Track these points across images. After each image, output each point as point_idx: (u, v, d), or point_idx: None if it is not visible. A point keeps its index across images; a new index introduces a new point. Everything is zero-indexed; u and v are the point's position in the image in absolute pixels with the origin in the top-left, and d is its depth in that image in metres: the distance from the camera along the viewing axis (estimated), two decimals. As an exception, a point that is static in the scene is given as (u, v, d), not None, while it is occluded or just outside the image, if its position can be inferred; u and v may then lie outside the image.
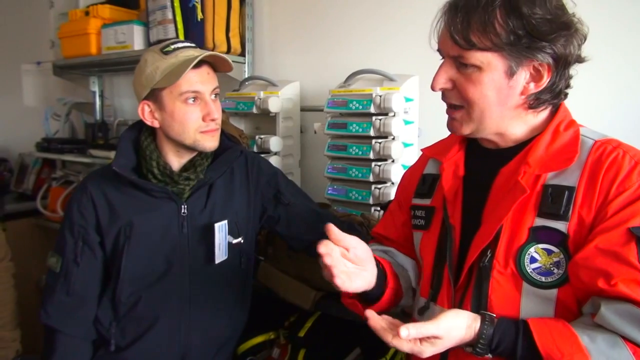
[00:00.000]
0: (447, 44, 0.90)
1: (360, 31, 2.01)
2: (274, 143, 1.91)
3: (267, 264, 1.63)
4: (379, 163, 1.66)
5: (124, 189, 1.29)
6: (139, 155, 1.31)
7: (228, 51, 2.16)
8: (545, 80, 0.87)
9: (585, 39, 0.90)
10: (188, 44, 1.24)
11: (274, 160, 1.91)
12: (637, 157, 0.85)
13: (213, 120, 1.24)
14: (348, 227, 1.45)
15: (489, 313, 0.85)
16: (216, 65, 1.26)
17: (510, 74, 0.87)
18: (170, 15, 2.02)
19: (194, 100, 1.22)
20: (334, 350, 1.62)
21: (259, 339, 1.70)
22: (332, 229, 0.89)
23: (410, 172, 1.20)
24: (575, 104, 0.98)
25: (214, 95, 1.26)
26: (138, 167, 1.30)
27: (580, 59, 0.91)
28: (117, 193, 1.29)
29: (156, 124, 1.25)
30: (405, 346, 0.81)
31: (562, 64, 0.87)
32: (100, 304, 1.31)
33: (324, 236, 1.40)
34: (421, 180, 1.12)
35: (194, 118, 1.22)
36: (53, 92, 2.85)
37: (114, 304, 1.29)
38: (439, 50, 0.95)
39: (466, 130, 0.95)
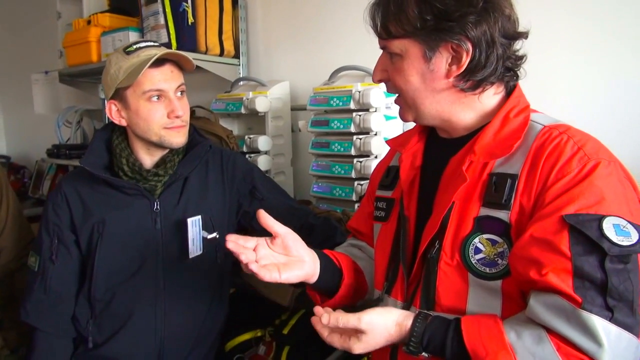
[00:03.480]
0: (378, 37, 0.93)
1: (355, 30, 1.98)
2: (263, 142, 1.92)
3: (250, 262, 1.63)
4: (361, 159, 1.65)
5: (97, 187, 1.32)
6: (112, 154, 1.34)
7: (221, 54, 2.19)
8: (465, 61, 0.85)
9: (510, 16, 0.87)
10: (151, 43, 1.27)
11: (263, 160, 1.92)
12: (582, 143, 0.81)
13: (178, 117, 1.26)
14: (324, 222, 1.45)
15: (424, 311, 0.84)
16: (181, 63, 1.29)
17: (427, 57, 0.87)
18: (162, 20, 2.06)
19: (157, 98, 1.24)
20: (318, 348, 1.61)
21: (245, 337, 1.71)
22: (262, 215, 0.94)
23: (379, 164, 1.20)
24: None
25: (179, 93, 1.28)
26: (110, 165, 1.34)
27: (514, 36, 0.88)
28: (91, 191, 1.32)
29: (123, 123, 1.28)
30: (336, 342, 0.83)
31: (482, 42, 0.84)
32: (77, 302, 1.34)
33: (300, 231, 1.41)
34: (385, 172, 1.12)
35: (158, 115, 1.25)
36: (64, 100, 2.94)
37: (90, 302, 1.32)
38: None
39: (409, 117, 0.97)
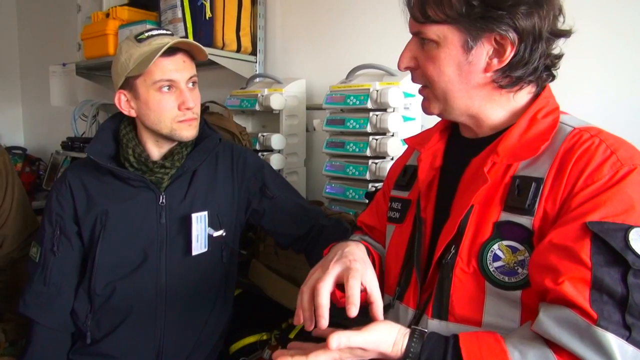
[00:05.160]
0: (410, 22, 0.87)
1: (373, 28, 1.95)
2: (276, 141, 1.88)
3: (258, 262, 1.59)
4: (376, 161, 1.59)
5: (102, 177, 1.28)
6: (119, 144, 1.30)
7: (238, 50, 2.16)
8: (509, 55, 0.80)
9: (560, 11, 0.83)
10: (163, 32, 1.23)
11: (276, 159, 1.88)
12: (615, 147, 0.75)
13: (189, 109, 1.22)
14: (335, 223, 1.39)
15: (419, 328, 0.77)
16: (193, 53, 1.24)
17: (468, 48, 0.81)
18: (180, 14, 2.03)
19: (168, 89, 1.20)
20: (325, 354, 1.56)
21: (250, 339, 1.66)
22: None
23: (396, 162, 1.15)
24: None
25: (191, 84, 1.24)
26: (117, 156, 1.30)
27: (560, 33, 0.83)
28: (96, 182, 1.29)
29: (133, 114, 1.24)
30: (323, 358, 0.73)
31: (530, 36, 0.79)
32: (77, 295, 1.30)
33: (310, 232, 1.36)
34: (402, 172, 1.07)
35: (169, 107, 1.21)
36: (81, 94, 2.93)
37: (89, 296, 1.28)
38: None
39: (435, 109, 0.90)
